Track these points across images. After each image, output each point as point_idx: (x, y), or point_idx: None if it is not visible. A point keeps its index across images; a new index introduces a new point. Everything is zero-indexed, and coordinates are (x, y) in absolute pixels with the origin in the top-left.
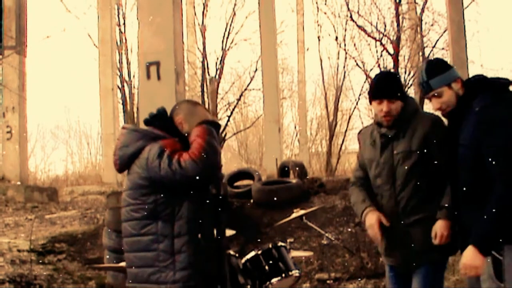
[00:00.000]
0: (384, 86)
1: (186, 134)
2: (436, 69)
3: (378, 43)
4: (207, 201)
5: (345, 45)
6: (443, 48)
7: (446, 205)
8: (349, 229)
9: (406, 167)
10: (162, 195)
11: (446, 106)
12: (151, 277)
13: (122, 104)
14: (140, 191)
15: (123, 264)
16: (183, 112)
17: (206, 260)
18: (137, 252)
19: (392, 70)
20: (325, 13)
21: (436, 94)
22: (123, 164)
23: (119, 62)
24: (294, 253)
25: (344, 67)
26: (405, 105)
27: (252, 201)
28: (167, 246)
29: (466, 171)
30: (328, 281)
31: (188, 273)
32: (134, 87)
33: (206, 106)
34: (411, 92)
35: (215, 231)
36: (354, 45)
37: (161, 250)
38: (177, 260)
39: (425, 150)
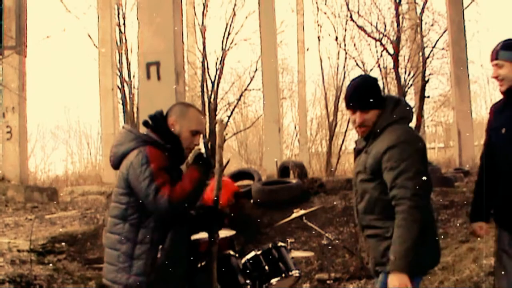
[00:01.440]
0: (356, 96)
1: (178, 136)
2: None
3: (378, 43)
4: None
5: (345, 45)
6: (443, 48)
7: (393, 257)
8: (349, 229)
9: (359, 181)
10: (134, 199)
11: (502, 79)
12: (110, 274)
13: (122, 104)
14: (120, 190)
15: None
16: (175, 113)
17: (165, 271)
18: (107, 248)
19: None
20: (325, 13)
21: (497, 64)
22: (116, 161)
23: (119, 62)
24: (294, 253)
25: (344, 67)
26: (382, 113)
27: (252, 201)
28: (128, 249)
29: None
30: (328, 281)
31: (142, 280)
32: (134, 87)
33: (206, 108)
34: (411, 92)
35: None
36: (354, 45)
37: (122, 252)
38: (134, 265)
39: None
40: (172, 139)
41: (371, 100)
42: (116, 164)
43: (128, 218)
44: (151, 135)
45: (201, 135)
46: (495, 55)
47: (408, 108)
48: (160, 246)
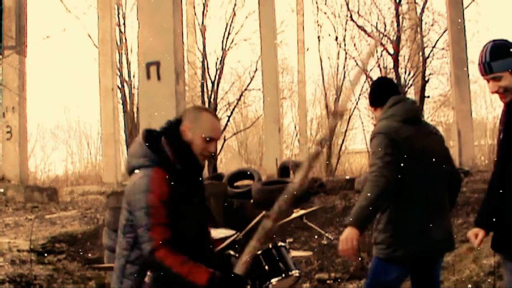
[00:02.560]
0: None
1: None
2: (501, 52)
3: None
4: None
5: (345, 45)
6: (443, 48)
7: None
8: None
9: None
10: (131, 216)
11: (504, 91)
12: (111, 279)
13: (122, 104)
14: (124, 205)
15: None
16: (188, 119)
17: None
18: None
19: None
20: (325, 13)
21: (495, 77)
22: (129, 171)
23: (119, 62)
24: (294, 253)
25: (344, 67)
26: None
27: (252, 201)
28: (121, 266)
29: None
30: (328, 281)
31: None
32: (134, 87)
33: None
34: (411, 92)
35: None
36: (354, 45)
37: (117, 267)
38: (124, 283)
39: None
40: (184, 153)
41: (374, 98)
42: (129, 173)
43: (126, 235)
44: (164, 150)
45: (216, 142)
46: (487, 68)
47: (401, 107)
48: (149, 272)
